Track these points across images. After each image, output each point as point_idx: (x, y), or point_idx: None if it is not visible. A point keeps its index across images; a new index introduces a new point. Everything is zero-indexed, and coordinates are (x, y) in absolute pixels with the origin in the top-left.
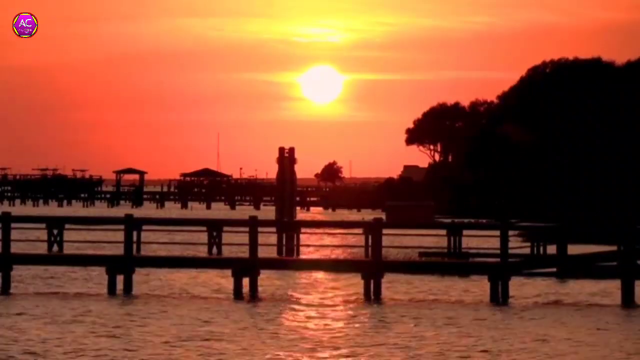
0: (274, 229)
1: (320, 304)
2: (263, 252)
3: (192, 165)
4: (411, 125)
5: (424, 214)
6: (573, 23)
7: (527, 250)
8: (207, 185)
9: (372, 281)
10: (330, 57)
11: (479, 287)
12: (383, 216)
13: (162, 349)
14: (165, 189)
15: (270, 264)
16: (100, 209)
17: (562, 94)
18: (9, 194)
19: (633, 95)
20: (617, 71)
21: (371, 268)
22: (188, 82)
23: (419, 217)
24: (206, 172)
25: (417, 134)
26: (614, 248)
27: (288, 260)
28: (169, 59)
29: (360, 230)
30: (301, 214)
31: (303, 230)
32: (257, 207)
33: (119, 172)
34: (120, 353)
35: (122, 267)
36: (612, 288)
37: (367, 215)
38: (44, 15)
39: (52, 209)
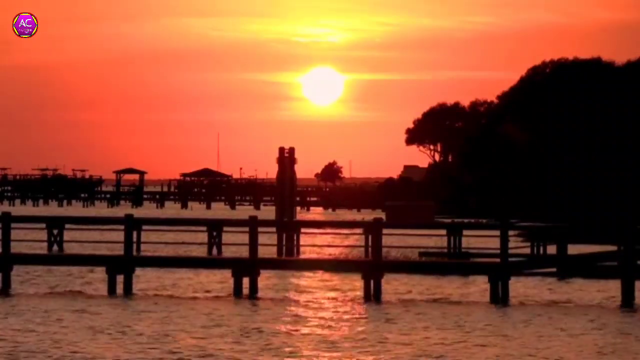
0: (274, 229)
1: (320, 304)
2: (263, 252)
3: (192, 165)
4: (411, 125)
5: (424, 214)
6: (573, 23)
7: (527, 250)
8: (207, 185)
9: (372, 281)
10: (330, 57)
11: (479, 287)
12: (383, 216)
13: (160, 349)
14: (165, 189)
15: (270, 264)
16: (100, 209)
17: (562, 94)
18: (9, 194)
19: (633, 95)
20: (617, 71)
21: (371, 268)
22: (188, 82)
23: (419, 217)
24: (206, 172)
25: (417, 134)
26: (614, 248)
27: (288, 260)
28: (169, 59)
29: (360, 230)
30: (301, 214)
31: (303, 230)
32: (257, 207)
33: (119, 172)
34: (119, 354)
35: (122, 267)
36: (612, 288)
37: (367, 215)
38: (44, 15)
39: (52, 209)
